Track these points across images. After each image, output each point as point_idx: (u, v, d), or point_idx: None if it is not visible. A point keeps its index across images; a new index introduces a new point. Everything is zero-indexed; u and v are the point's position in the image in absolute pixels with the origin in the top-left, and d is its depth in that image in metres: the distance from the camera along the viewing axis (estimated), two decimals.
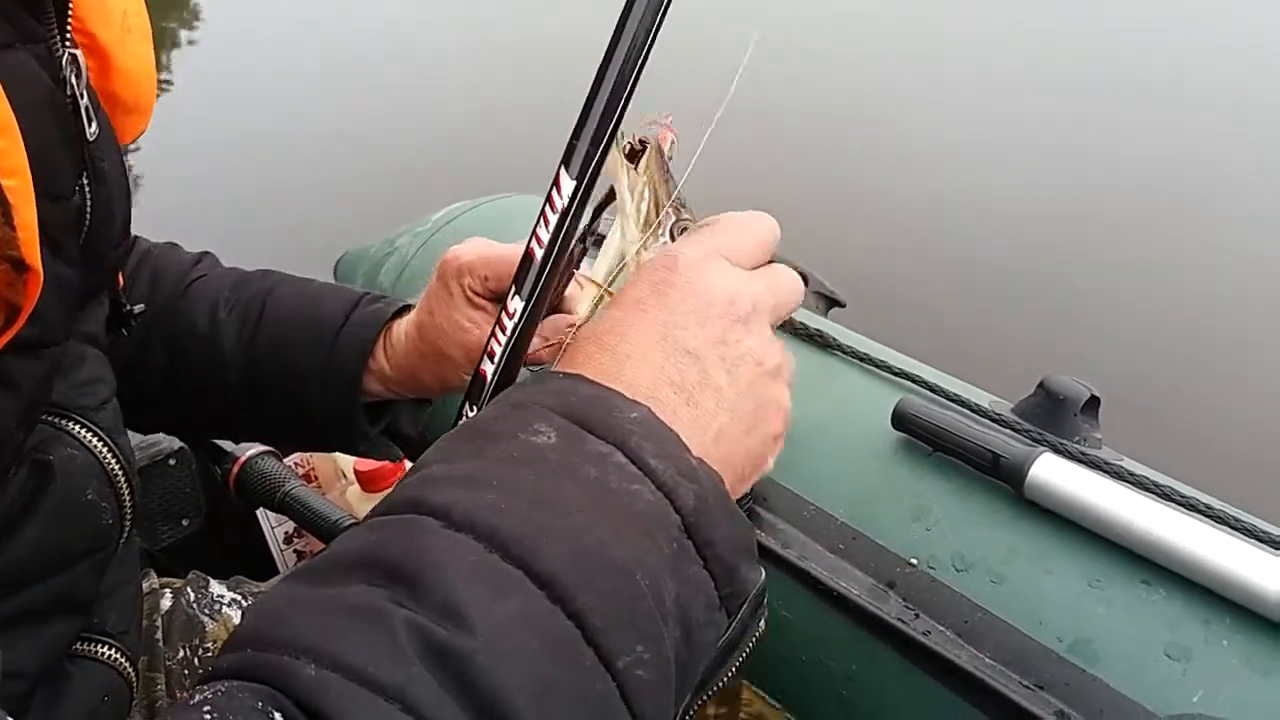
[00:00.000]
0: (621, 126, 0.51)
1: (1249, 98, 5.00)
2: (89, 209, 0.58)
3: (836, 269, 1.55)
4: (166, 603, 0.86)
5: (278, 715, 0.32)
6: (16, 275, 0.46)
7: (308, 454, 1.52)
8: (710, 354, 0.45)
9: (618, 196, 0.53)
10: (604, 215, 0.57)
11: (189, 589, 0.88)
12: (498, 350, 0.56)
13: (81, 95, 0.56)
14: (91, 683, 0.64)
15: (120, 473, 0.62)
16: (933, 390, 0.99)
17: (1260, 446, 2.62)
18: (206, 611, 0.85)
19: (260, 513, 1.42)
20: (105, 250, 0.63)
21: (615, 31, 0.50)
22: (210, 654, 0.82)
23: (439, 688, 0.33)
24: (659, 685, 0.38)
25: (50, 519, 0.56)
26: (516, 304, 0.55)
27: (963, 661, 0.80)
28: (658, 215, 0.52)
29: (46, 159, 0.50)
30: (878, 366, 1.04)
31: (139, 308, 0.72)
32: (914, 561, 0.87)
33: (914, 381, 1.01)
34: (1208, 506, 0.82)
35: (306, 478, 1.51)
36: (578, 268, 0.60)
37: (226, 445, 1.27)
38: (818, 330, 1.08)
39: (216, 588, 0.89)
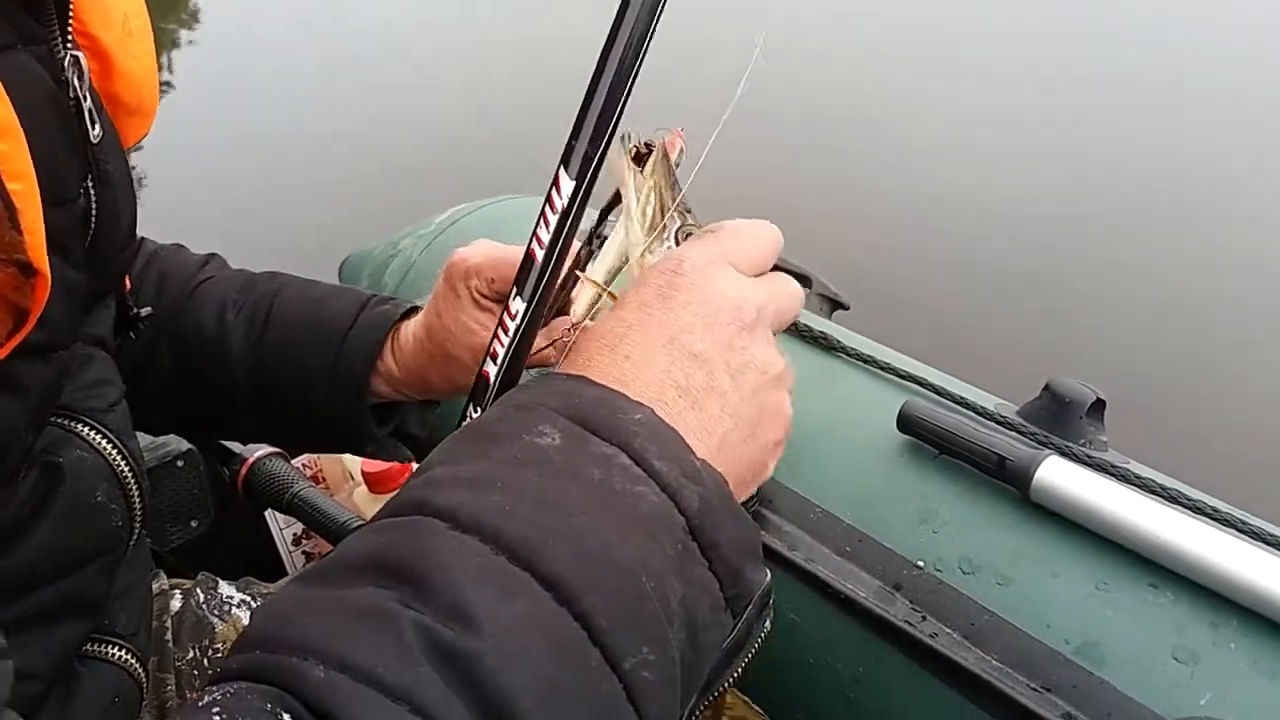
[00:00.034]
0: (629, 129, 0.51)
1: (1249, 98, 5.00)
2: (94, 212, 0.58)
3: (836, 269, 1.55)
4: (176, 604, 0.86)
5: (286, 716, 0.32)
6: (24, 279, 0.46)
7: (315, 455, 1.52)
8: (716, 359, 0.45)
9: (623, 198, 0.53)
10: (610, 218, 0.57)
11: (198, 590, 0.88)
12: (500, 351, 0.56)
13: (84, 97, 0.56)
14: (102, 684, 0.65)
15: (130, 474, 0.62)
16: (938, 393, 0.99)
17: (1261, 447, 2.62)
18: (216, 612, 0.86)
19: (269, 514, 1.43)
20: (111, 253, 0.63)
21: (611, 31, 0.50)
22: (219, 655, 0.82)
23: (446, 688, 0.33)
24: (664, 686, 0.38)
25: (60, 521, 0.56)
26: (518, 305, 0.56)
27: (970, 664, 0.79)
28: (662, 219, 0.52)
29: (51, 162, 0.49)
30: (882, 369, 1.04)
31: (145, 311, 0.72)
32: (920, 564, 0.87)
33: (919, 384, 1.01)
34: (1214, 509, 0.82)
35: (314, 479, 1.51)
36: (584, 270, 0.60)
37: (235, 447, 1.27)
38: (822, 333, 1.08)
39: (225, 589, 0.89)
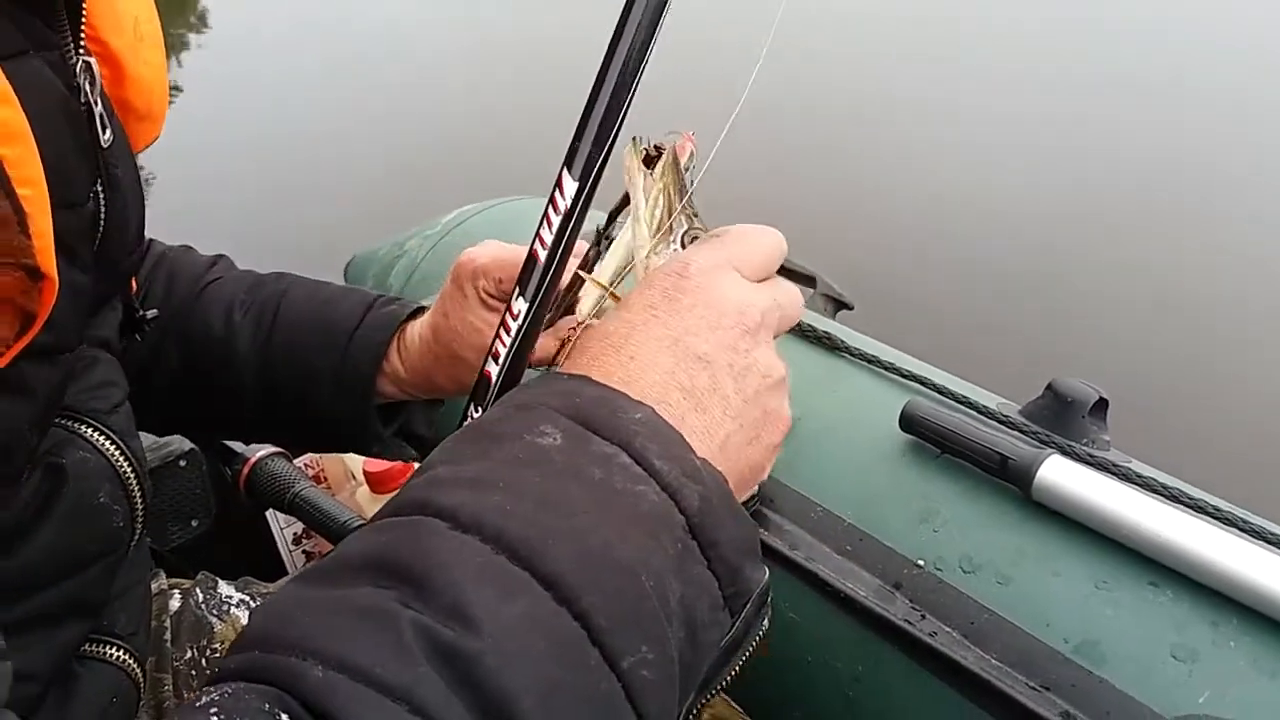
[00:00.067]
0: (639, 133, 0.52)
1: (1249, 98, 5.00)
2: (103, 216, 0.58)
3: (837, 269, 1.56)
4: (175, 603, 0.86)
5: (285, 717, 0.32)
6: (32, 283, 0.46)
7: (317, 455, 1.52)
8: (720, 361, 0.46)
9: (631, 199, 0.53)
10: (619, 219, 0.57)
11: (198, 590, 0.88)
12: (502, 351, 0.56)
13: (96, 103, 0.56)
14: (100, 684, 0.65)
15: (132, 475, 0.62)
16: (940, 392, 0.99)
17: (1261, 446, 2.62)
18: (215, 612, 0.86)
19: (269, 514, 1.43)
20: (119, 257, 0.63)
21: (615, 32, 0.50)
22: (218, 655, 0.82)
23: (446, 688, 0.33)
24: (663, 685, 0.38)
25: (63, 522, 0.56)
26: (520, 305, 0.56)
27: (969, 663, 0.80)
28: (669, 221, 0.53)
29: (61, 167, 0.50)
30: (885, 368, 1.04)
31: (151, 313, 0.72)
32: (921, 563, 0.87)
33: (921, 383, 1.01)
34: (1215, 508, 0.82)
35: (316, 479, 1.51)
36: (590, 270, 0.60)
37: (237, 446, 1.27)
38: (825, 333, 1.08)
39: (225, 588, 0.89)
